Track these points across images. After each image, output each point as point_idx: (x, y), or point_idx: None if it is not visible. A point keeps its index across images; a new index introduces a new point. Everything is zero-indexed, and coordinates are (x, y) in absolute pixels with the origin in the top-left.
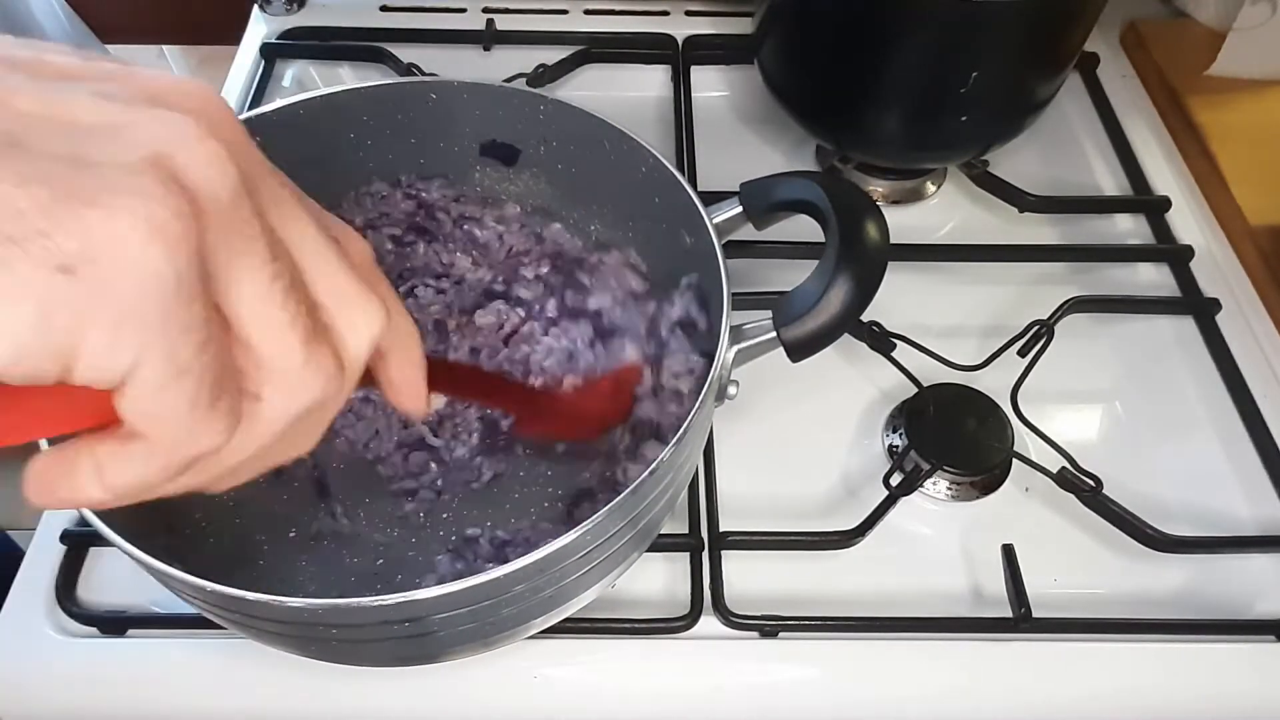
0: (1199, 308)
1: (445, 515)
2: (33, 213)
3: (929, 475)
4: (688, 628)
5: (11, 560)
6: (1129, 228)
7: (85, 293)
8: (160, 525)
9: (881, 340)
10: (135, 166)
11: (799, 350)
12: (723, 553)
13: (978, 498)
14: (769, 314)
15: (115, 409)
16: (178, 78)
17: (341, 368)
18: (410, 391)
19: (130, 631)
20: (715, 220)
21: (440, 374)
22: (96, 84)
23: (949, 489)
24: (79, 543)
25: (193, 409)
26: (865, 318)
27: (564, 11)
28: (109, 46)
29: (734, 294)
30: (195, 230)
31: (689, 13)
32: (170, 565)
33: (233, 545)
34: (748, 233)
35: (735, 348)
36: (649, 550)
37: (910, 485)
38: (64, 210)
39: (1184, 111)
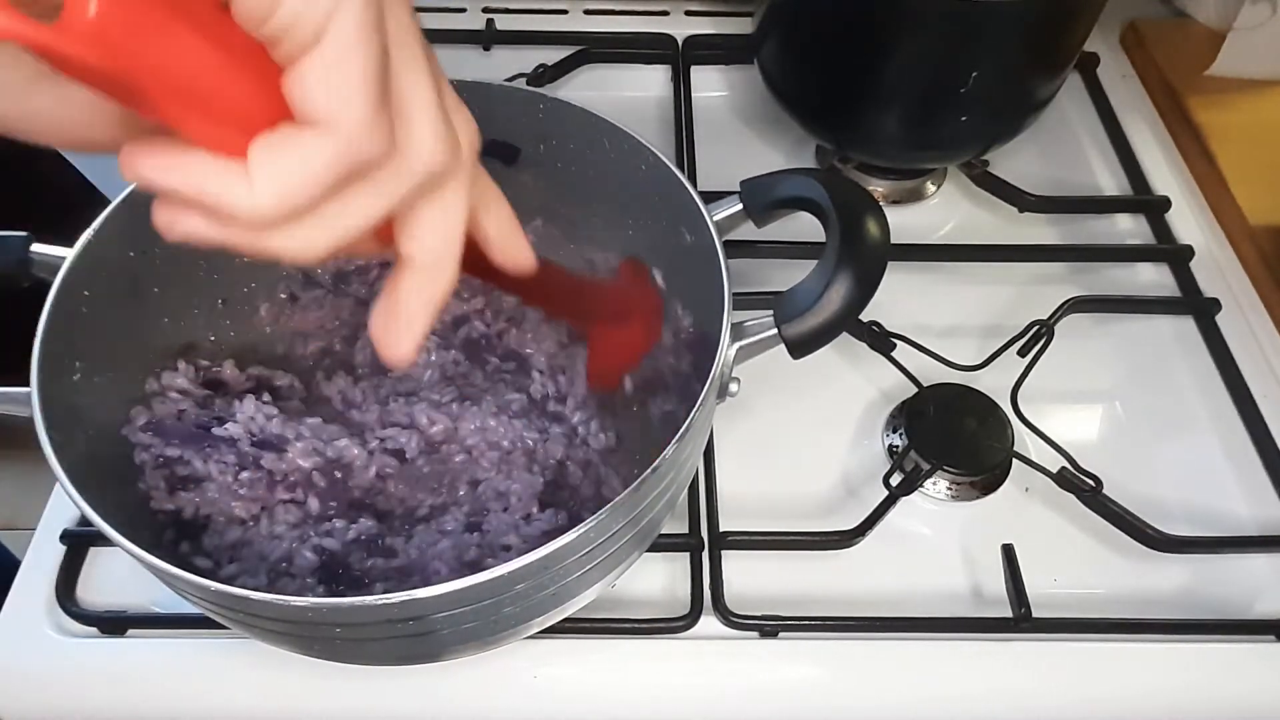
0: (1199, 308)
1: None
2: None
3: (929, 475)
4: (688, 628)
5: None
6: (1129, 228)
7: None
8: (162, 525)
9: (881, 340)
10: None
11: (800, 347)
12: (723, 553)
13: (978, 498)
14: (769, 312)
15: (291, 98)
16: None
17: (460, 153)
18: (511, 245)
19: (130, 631)
20: (715, 218)
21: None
22: None
23: (949, 489)
24: (79, 543)
25: (368, 91)
26: (865, 317)
27: (564, 11)
28: None
29: (735, 293)
30: None
31: (689, 13)
32: (173, 565)
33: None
34: (748, 232)
35: (736, 345)
36: (649, 550)
37: (910, 485)
38: None
39: (1184, 111)
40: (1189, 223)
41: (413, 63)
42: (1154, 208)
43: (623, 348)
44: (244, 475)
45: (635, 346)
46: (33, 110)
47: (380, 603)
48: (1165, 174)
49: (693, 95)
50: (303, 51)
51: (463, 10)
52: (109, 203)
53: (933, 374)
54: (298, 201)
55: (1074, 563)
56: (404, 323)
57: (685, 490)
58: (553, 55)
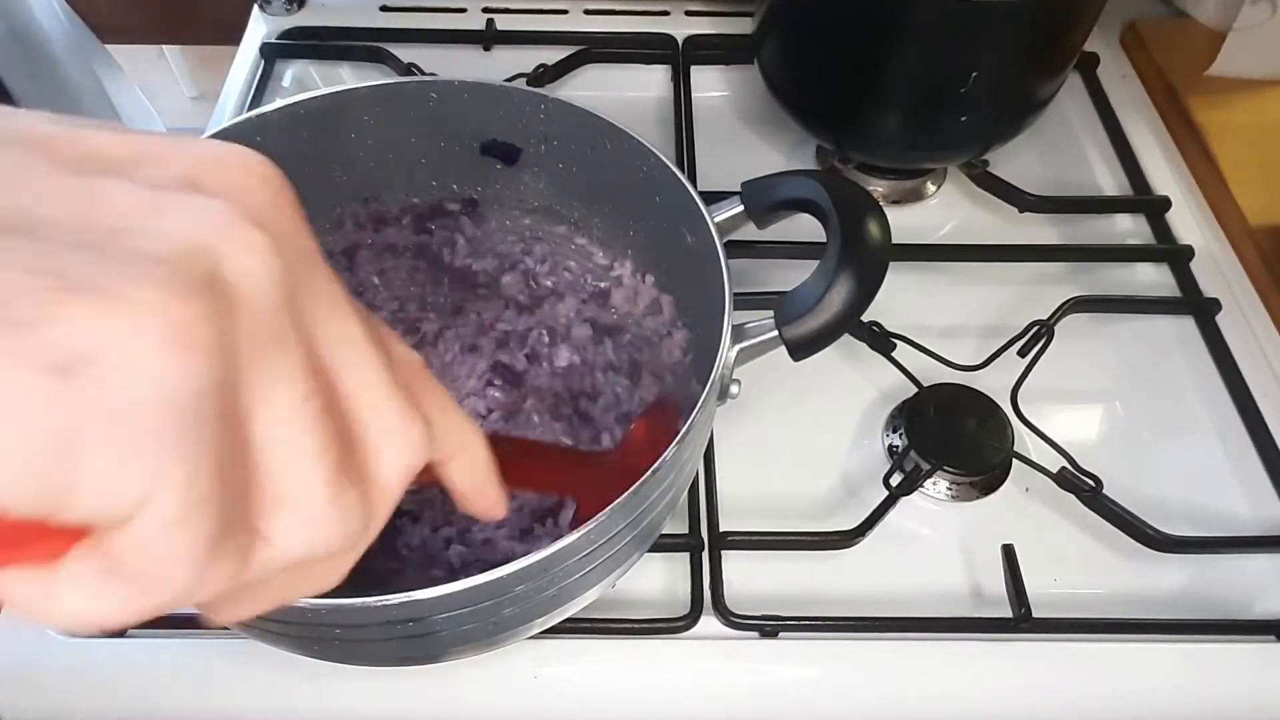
0: (1199, 308)
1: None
2: (22, 301)
3: (929, 475)
4: (688, 628)
5: None
6: (1129, 228)
7: (84, 403)
8: None
9: (881, 340)
10: (161, 256)
11: (800, 349)
12: (723, 553)
13: (978, 498)
14: (770, 313)
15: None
16: (226, 148)
17: (369, 509)
18: (479, 497)
19: (130, 631)
20: (717, 219)
21: (508, 461)
22: (127, 165)
23: (949, 489)
24: None
25: (201, 551)
26: (865, 318)
27: (564, 11)
28: (109, 47)
29: (735, 294)
30: (225, 334)
31: (689, 13)
32: None
33: None
34: (749, 232)
35: (737, 347)
36: (649, 550)
37: (910, 485)
38: (64, 299)
39: (1184, 111)
40: (1189, 223)
41: (299, 446)
42: (1154, 208)
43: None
44: None
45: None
46: None
47: (380, 603)
48: (1165, 174)
49: (693, 95)
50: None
51: (463, 10)
52: None
53: (933, 374)
54: (98, 630)
55: (1074, 563)
56: (247, 606)
57: (686, 491)
58: (553, 55)
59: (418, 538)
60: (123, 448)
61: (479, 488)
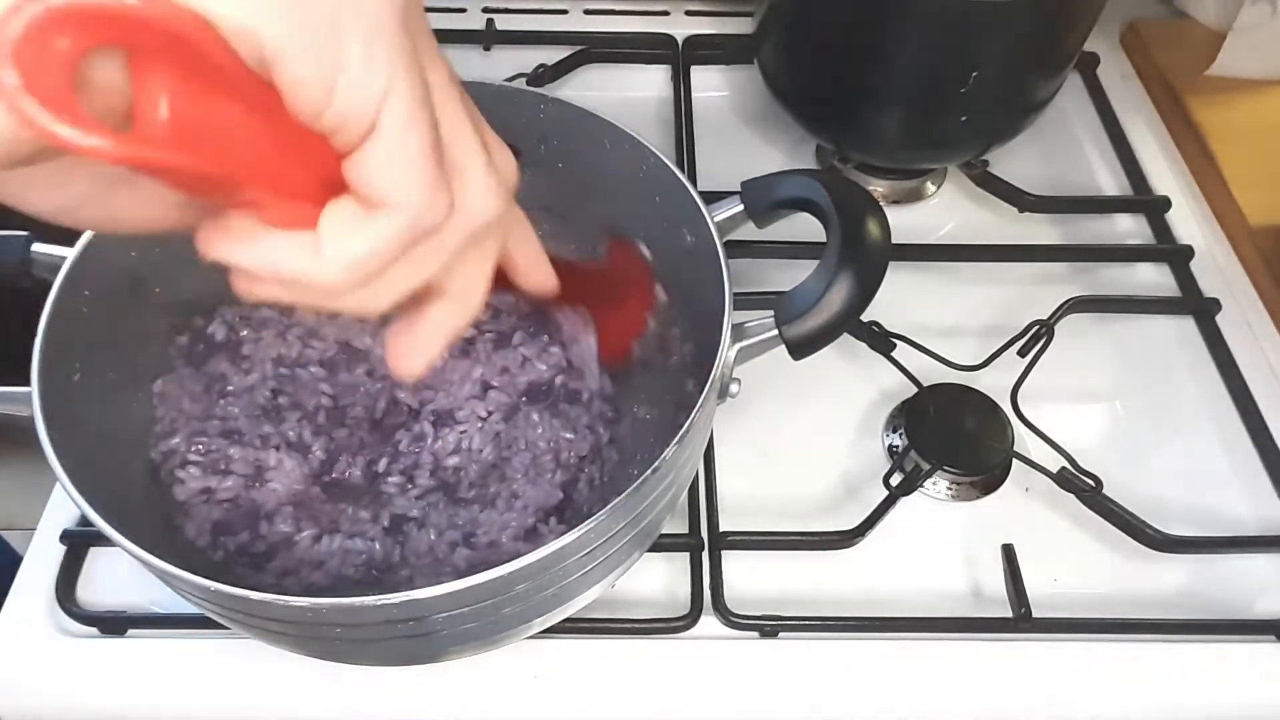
0: (1199, 308)
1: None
2: None
3: (929, 475)
4: (688, 628)
5: (8, 563)
6: (1129, 228)
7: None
8: (162, 526)
9: (881, 340)
10: None
11: (800, 348)
12: (723, 553)
13: (978, 498)
14: (770, 313)
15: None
16: None
17: (505, 190)
18: (537, 271)
19: (130, 631)
20: (717, 218)
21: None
22: None
23: (949, 489)
24: (79, 543)
25: (426, 170)
26: (865, 317)
27: (564, 11)
28: None
29: (735, 293)
30: None
31: (689, 13)
32: (173, 565)
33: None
34: (749, 232)
35: (737, 346)
36: (649, 550)
37: (910, 485)
38: None
39: (1184, 111)
40: (1189, 223)
41: (457, 118)
42: (1154, 208)
43: (626, 322)
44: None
45: (638, 319)
46: (111, 211)
47: (380, 603)
48: (1165, 174)
49: (693, 95)
50: (359, 140)
51: (463, 10)
52: None
53: (933, 374)
54: (367, 273)
55: (1074, 563)
56: (421, 347)
57: (686, 491)
58: (553, 55)
59: (424, 543)
60: (368, 39)
61: (534, 265)
